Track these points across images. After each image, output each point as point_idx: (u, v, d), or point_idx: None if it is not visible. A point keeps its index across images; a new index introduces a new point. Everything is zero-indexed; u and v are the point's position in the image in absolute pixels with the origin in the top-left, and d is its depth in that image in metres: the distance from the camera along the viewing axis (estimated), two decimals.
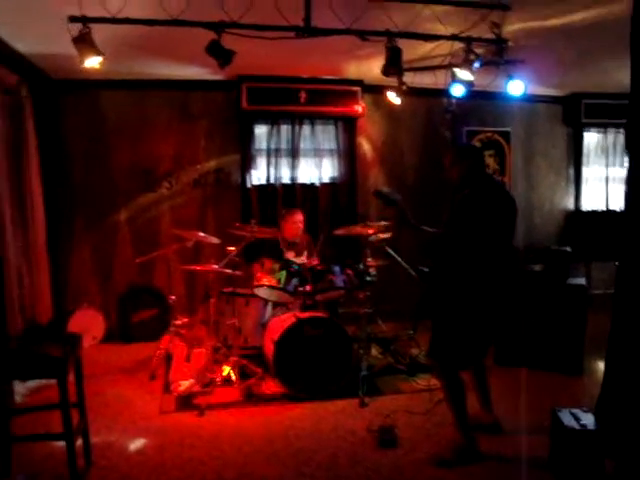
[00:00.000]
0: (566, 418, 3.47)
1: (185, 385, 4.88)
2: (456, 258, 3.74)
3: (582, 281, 5.52)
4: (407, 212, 3.85)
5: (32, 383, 4.82)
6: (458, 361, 3.80)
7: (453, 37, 4.62)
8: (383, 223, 5.43)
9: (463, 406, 3.80)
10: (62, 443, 3.28)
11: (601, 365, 3.69)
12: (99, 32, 3.99)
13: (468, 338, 3.75)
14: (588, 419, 3.43)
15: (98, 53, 4.05)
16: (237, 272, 5.20)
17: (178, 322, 5.79)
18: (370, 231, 5.30)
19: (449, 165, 3.93)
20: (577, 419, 3.44)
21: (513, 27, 4.75)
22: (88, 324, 6.25)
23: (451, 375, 3.79)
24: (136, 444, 4.03)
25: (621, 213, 3.84)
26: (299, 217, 5.97)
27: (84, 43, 3.97)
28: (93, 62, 4.11)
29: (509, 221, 3.82)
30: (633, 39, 3.24)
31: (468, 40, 4.59)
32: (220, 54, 4.13)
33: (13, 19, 4.48)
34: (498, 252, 3.74)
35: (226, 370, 4.99)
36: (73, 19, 3.89)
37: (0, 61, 5.01)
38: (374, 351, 5.83)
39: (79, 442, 3.56)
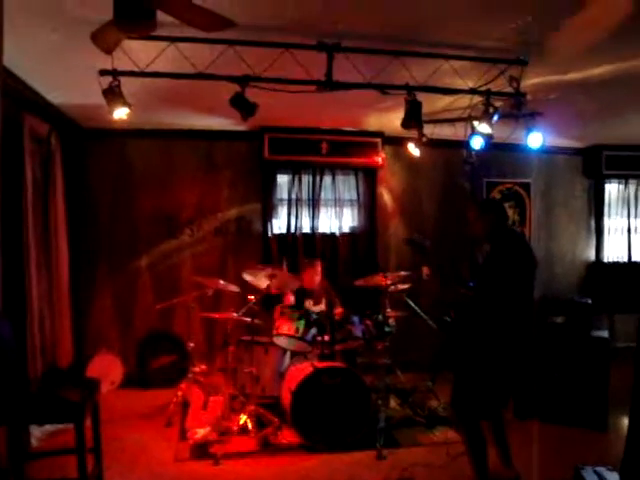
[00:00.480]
0: (590, 476, 3.39)
1: (201, 433, 4.85)
2: (480, 310, 3.76)
3: (605, 333, 5.44)
4: (434, 261, 3.91)
5: (49, 427, 4.82)
6: (479, 411, 3.77)
7: (472, 91, 4.71)
8: (403, 273, 5.43)
9: (484, 460, 3.75)
10: None
11: (626, 421, 3.60)
12: (128, 84, 4.14)
13: (489, 389, 3.73)
14: (613, 478, 3.35)
15: (126, 104, 4.18)
16: (256, 320, 5.21)
17: (196, 369, 5.79)
18: (389, 281, 5.30)
19: (473, 220, 3.99)
20: (601, 478, 3.36)
21: (532, 81, 4.83)
22: (107, 369, 6.26)
23: (472, 427, 3.75)
24: None
25: None
26: (317, 268, 6.04)
27: (113, 95, 4.11)
28: (121, 113, 4.24)
29: (530, 274, 3.86)
30: None
31: (487, 94, 4.67)
32: (244, 106, 4.24)
33: (46, 71, 4.67)
34: (519, 305, 3.75)
35: (243, 419, 4.96)
36: (103, 72, 4.04)
37: (32, 111, 5.18)
38: (392, 402, 5.75)
39: None
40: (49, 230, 5.76)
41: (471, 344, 3.83)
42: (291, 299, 5.99)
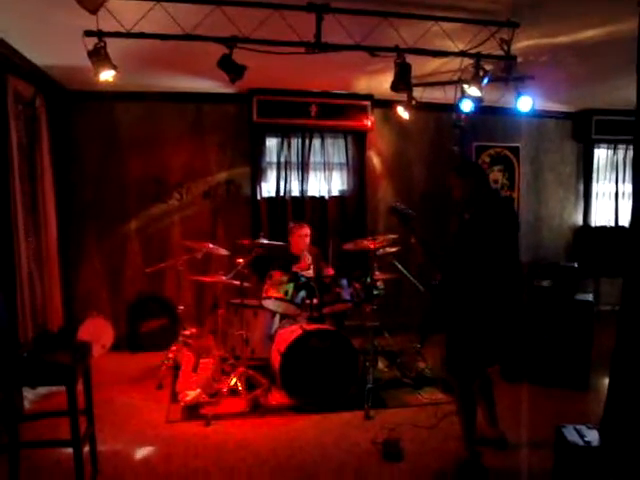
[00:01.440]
0: (570, 434, 3.46)
1: (192, 395, 4.91)
2: (464, 276, 3.80)
3: (590, 297, 5.51)
4: (417, 231, 3.92)
5: (42, 390, 4.88)
6: (472, 371, 3.86)
7: (462, 53, 4.66)
8: (391, 236, 5.45)
9: (473, 420, 3.84)
10: (69, 450, 3.31)
11: (607, 381, 3.68)
12: (114, 45, 4.05)
13: (480, 351, 3.81)
14: (592, 436, 3.43)
15: (112, 67, 4.10)
16: (245, 283, 5.23)
17: (186, 332, 5.84)
18: (377, 245, 5.32)
19: (453, 184, 3.98)
20: (581, 435, 3.43)
21: (522, 44, 4.78)
22: (97, 333, 6.29)
23: (466, 386, 3.85)
24: (142, 453, 4.08)
25: (628, 229, 3.86)
26: (305, 231, 6.03)
27: (99, 57, 4.02)
28: (107, 75, 4.16)
29: (512, 238, 3.90)
30: (639, 58, 3.26)
31: (477, 56, 4.62)
32: (231, 69, 4.18)
33: (30, 32, 4.57)
34: (503, 268, 3.79)
35: (233, 381, 5.02)
36: (89, 33, 3.95)
37: (17, 73, 5.09)
38: (380, 364, 5.83)
39: (86, 449, 3.60)
40: (36, 194, 5.73)
41: (458, 306, 3.88)
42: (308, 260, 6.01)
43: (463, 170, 4.09)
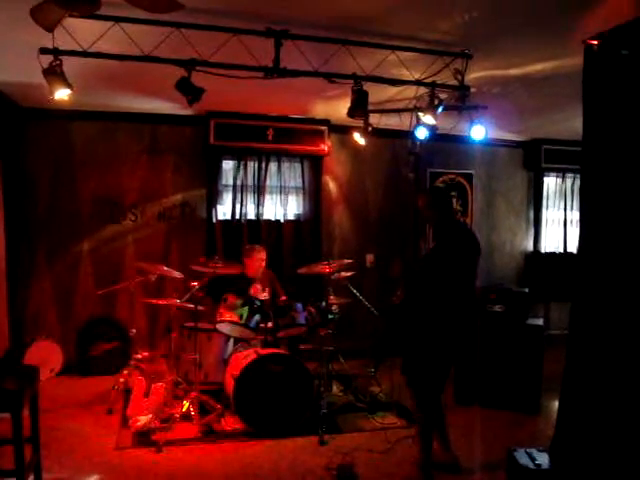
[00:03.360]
0: (522, 457, 3.52)
1: (143, 420, 4.80)
2: (427, 295, 3.97)
3: (540, 322, 5.63)
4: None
5: None
6: (432, 388, 3.98)
7: (418, 82, 4.77)
8: (346, 261, 5.49)
9: (430, 441, 3.89)
10: None
11: (557, 404, 3.77)
12: (70, 64, 4.01)
13: (434, 369, 3.94)
14: (543, 459, 3.49)
15: (68, 86, 4.05)
16: (199, 307, 5.18)
17: (138, 356, 5.73)
18: (332, 269, 5.34)
19: (423, 207, 4.18)
20: (532, 459, 3.50)
21: (475, 75, 4.93)
22: (46, 356, 6.11)
23: (430, 405, 3.96)
24: None
25: (576, 255, 4.01)
26: (260, 255, 6.00)
27: (54, 75, 3.97)
28: (62, 94, 4.09)
29: (473, 264, 4.08)
30: (585, 92, 3.41)
31: (432, 85, 4.75)
32: (189, 91, 4.18)
33: None
34: (463, 292, 3.97)
35: (186, 406, 4.93)
36: (44, 51, 3.90)
37: None
38: (335, 389, 5.83)
39: (31, 479, 3.48)
40: None
41: (417, 326, 4.02)
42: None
43: (435, 194, 4.42)
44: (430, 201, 4.15)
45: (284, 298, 5.77)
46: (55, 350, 6.31)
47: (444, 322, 3.89)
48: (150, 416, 4.85)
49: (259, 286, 5.95)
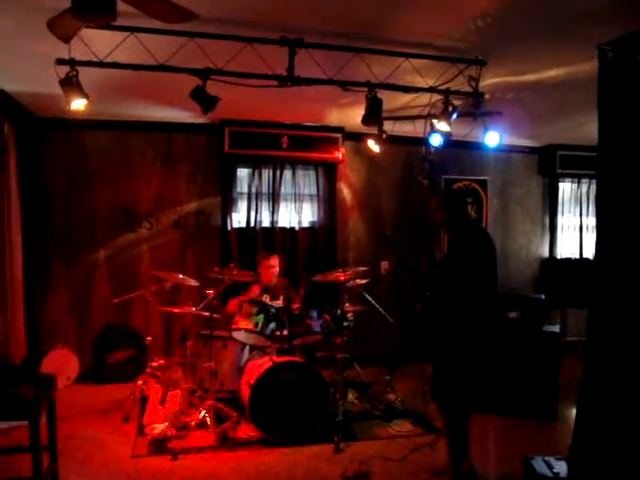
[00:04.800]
0: (539, 466, 3.49)
1: (159, 428, 4.82)
2: (451, 300, 3.86)
3: (556, 328, 5.59)
4: (408, 256, 4.00)
5: (1, 425, 4.72)
6: (461, 398, 3.88)
7: (431, 89, 4.77)
8: (361, 268, 5.48)
9: (463, 446, 3.89)
10: None
11: (574, 412, 3.73)
12: (86, 74, 4.06)
13: (467, 376, 3.85)
14: (561, 467, 3.46)
15: (84, 96, 4.10)
16: (215, 315, 5.19)
17: (154, 364, 5.74)
18: (347, 276, 5.33)
19: (434, 209, 4.09)
20: (550, 467, 3.47)
21: (489, 81, 4.93)
22: (62, 364, 6.14)
23: (456, 415, 3.87)
24: None
25: (592, 261, 3.97)
26: (273, 262, 6.00)
27: (70, 85, 4.02)
28: (78, 104, 4.15)
29: (493, 263, 3.97)
30: (600, 98, 3.38)
31: (446, 92, 4.74)
32: (204, 100, 4.21)
33: (0, 59, 4.54)
34: (484, 294, 3.86)
35: (201, 413, 4.93)
36: (61, 61, 3.95)
37: None
38: (350, 396, 5.80)
39: None
40: (2, 222, 5.64)
41: (442, 334, 3.93)
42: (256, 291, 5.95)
43: (446, 196, 4.29)
44: (441, 203, 4.06)
45: (297, 306, 5.77)
46: (71, 358, 6.35)
47: (468, 328, 3.81)
48: (166, 424, 4.87)
49: (272, 293, 5.96)
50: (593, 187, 8.40)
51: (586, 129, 6.11)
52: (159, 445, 4.65)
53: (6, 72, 4.94)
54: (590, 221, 8.53)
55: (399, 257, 4.01)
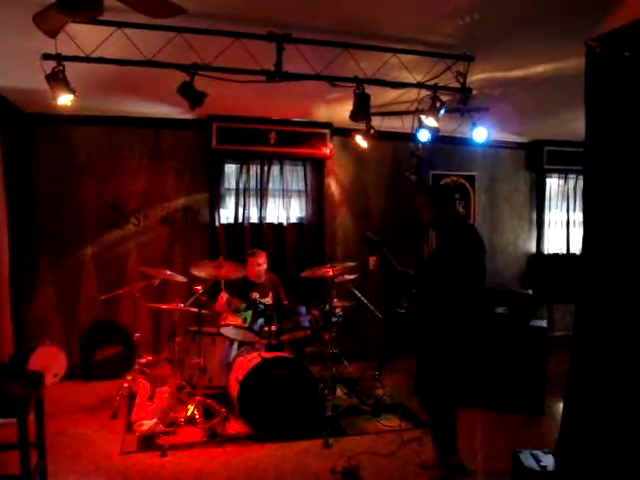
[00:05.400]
0: (527, 459, 3.51)
1: (148, 425, 4.80)
2: (433, 298, 3.86)
3: (543, 323, 5.63)
4: (390, 257, 3.96)
5: None
6: (446, 395, 3.88)
7: (419, 85, 4.78)
8: (349, 264, 5.49)
9: (450, 440, 3.91)
10: None
11: (561, 405, 3.76)
12: (73, 69, 4.03)
13: (453, 372, 3.85)
14: (548, 460, 3.48)
15: (71, 91, 4.06)
16: (203, 310, 5.18)
17: (142, 360, 5.73)
18: (336, 272, 5.34)
19: (421, 206, 4.04)
20: (537, 460, 3.48)
21: (477, 77, 4.95)
22: (50, 361, 6.10)
23: (441, 411, 3.87)
24: None
25: (579, 256, 3.99)
26: (261, 259, 6.00)
27: (57, 81, 3.99)
28: (65, 99, 4.12)
29: (480, 261, 3.97)
30: (587, 94, 3.41)
31: (434, 88, 4.75)
32: (191, 95, 4.19)
33: None
34: (472, 291, 3.86)
35: (190, 410, 4.93)
36: (47, 56, 3.92)
37: None
38: (339, 391, 5.82)
39: None
40: None
41: (427, 331, 3.92)
42: (225, 298, 5.89)
43: (433, 192, 4.22)
44: (428, 200, 3.99)
45: (285, 303, 5.75)
46: (59, 355, 6.30)
47: (456, 325, 3.79)
48: (155, 420, 4.85)
49: (260, 290, 5.95)
50: (580, 182, 8.41)
51: (573, 125, 6.17)
52: (148, 441, 4.64)
53: None
54: (577, 216, 8.59)
55: (383, 257, 4.00)
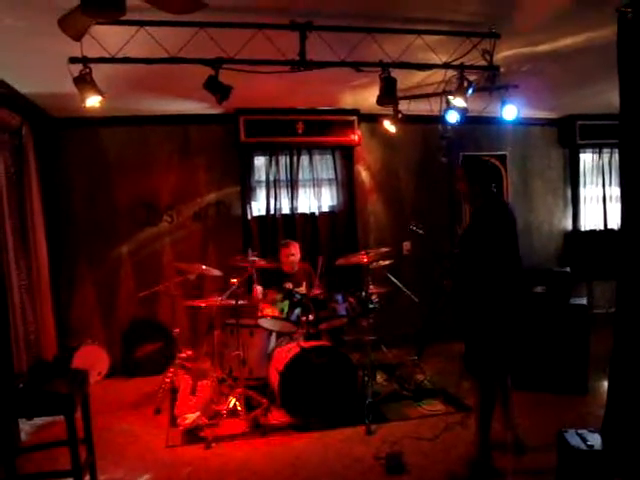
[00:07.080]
0: (573, 439, 3.45)
1: (191, 418, 4.86)
2: (474, 279, 3.83)
3: (584, 301, 5.53)
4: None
5: (37, 420, 4.81)
6: (492, 372, 3.86)
7: (446, 65, 4.71)
8: (383, 249, 5.46)
9: (489, 421, 3.84)
10: None
11: (605, 384, 3.69)
12: (99, 71, 4.07)
13: (496, 351, 3.82)
14: (595, 439, 3.42)
15: (98, 92, 4.11)
16: (241, 302, 5.21)
17: (182, 355, 5.79)
18: (370, 258, 5.32)
19: (459, 179, 4.07)
20: (584, 440, 3.42)
21: (504, 54, 4.84)
22: (92, 360, 6.22)
23: (487, 387, 3.84)
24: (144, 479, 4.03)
25: (618, 232, 3.90)
26: (293, 249, 6.03)
27: (85, 83, 4.03)
28: (93, 101, 4.16)
29: (512, 237, 3.92)
30: (620, 62, 3.31)
31: (461, 68, 4.67)
32: (218, 89, 4.20)
33: (14, 61, 4.55)
34: (509, 269, 3.82)
35: (232, 402, 4.98)
36: (73, 60, 3.96)
37: (2, 103, 5.09)
38: (379, 378, 5.82)
39: (87, 479, 3.55)
40: (26, 222, 5.71)
41: (473, 309, 3.90)
42: (259, 290, 5.95)
43: (468, 166, 4.20)
44: (464, 173, 4.03)
45: (317, 292, 5.75)
46: (101, 354, 6.43)
47: (497, 300, 3.76)
48: (198, 414, 4.91)
49: (294, 280, 5.97)
50: (615, 156, 8.26)
51: (606, 97, 6.01)
52: (192, 434, 4.71)
53: (21, 74, 4.96)
54: (614, 191, 8.40)
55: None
